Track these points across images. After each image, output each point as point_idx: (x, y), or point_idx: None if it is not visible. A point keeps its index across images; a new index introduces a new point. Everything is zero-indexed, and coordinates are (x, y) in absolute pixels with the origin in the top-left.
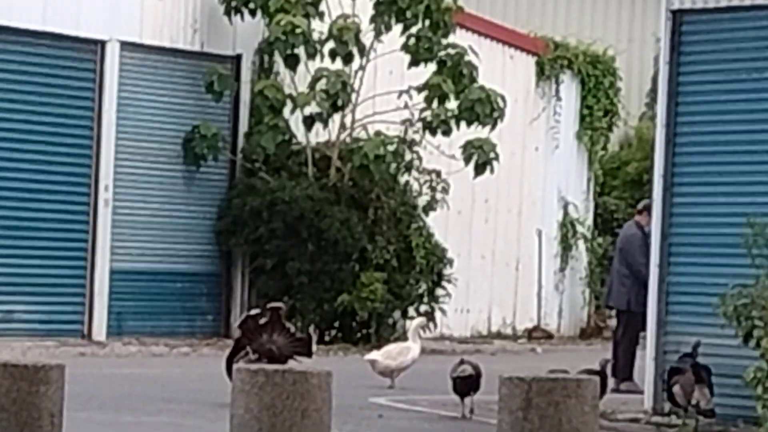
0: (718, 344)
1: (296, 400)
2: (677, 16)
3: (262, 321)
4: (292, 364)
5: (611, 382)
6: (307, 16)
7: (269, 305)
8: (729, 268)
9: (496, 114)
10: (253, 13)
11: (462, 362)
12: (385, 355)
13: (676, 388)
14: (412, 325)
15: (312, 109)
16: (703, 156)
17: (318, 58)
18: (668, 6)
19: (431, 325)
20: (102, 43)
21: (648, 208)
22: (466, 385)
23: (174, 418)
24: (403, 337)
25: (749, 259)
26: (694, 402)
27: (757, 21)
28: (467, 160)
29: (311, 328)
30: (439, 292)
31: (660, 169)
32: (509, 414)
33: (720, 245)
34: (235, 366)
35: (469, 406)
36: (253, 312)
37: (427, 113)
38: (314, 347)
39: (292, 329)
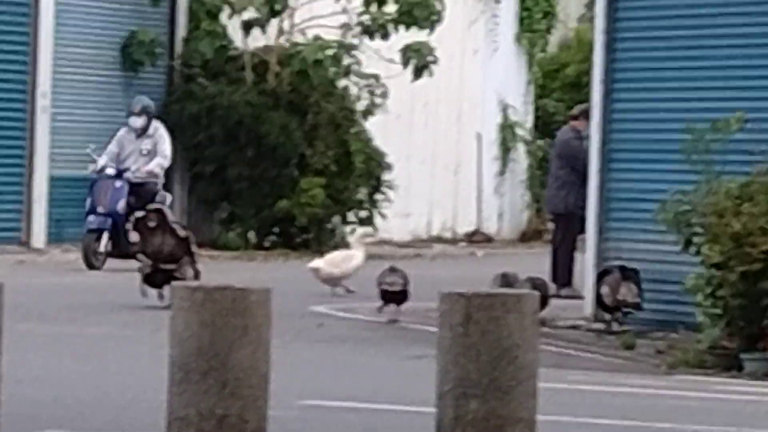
0: (659, 251)
1: (236, 318)
2: None
3: (152, 224)
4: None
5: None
6: None
7: (152, 207)
8: (669, 174)
9: (434, 17)
10: None
11: (392, 270)
12: (328, 262)
13: (603, 288)
14: (356, 234)
15: (250, 14)
16: (643, 61)
17: None
18: None
19: (371, 229)
20: None
21: (585, 113)
22: (394, 298)
23: (115, 329)
24: (344, 244)
25: (689, 165)
26: (621, 297)
27: None
28: (406, 64)
29: (251, 234)
30: (379, 197)
31: (599, 74)
32: (449, 329)
33: (660, 151)
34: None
35: (394, 316)
36: (140, 214)
37: (366, 17)
38: (194, 247)
39: (179, 230)
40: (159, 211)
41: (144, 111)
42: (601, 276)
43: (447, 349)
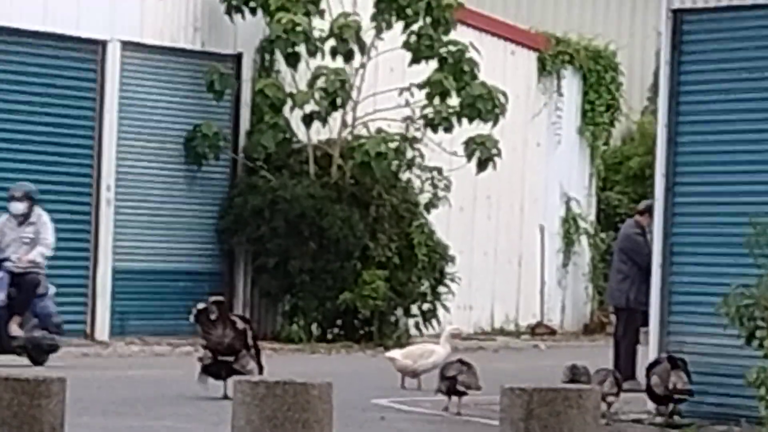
0: (721, 344)
1: (297, 412)
2: (678, 15)
3: (213, 316)
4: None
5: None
6: (307, 14)
7: (213, 299)
8: (732, 267)
9: (497, 110)
10: (253, 11)
11: (459, 362)
12: (405, 354)
13: (653, 379)
14: (445, 330)
15: (311, 107)
16: (705, 155)
17: (319, 56)
18: (669, 5)
19: (434, 322)
20: (103, 43)
21: (649, 209)
22: (461, 392)
23: (177, 423)
24: (406, 335)
25: (752, 259)
26: (671, 386)
27: (758, 20)
28: (469, 157)
29: (314, 326)
30: (442, 289)
31: (662, 168)
32: (511, 424)
33: (722, 245)
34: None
35: (456, 408)
36: (201, 306)
37: (429, 110)
38: (251, 340)
39: (237, 322)
40: (219, 303)
41: (26, 196)
42: (651, 367)
43: None
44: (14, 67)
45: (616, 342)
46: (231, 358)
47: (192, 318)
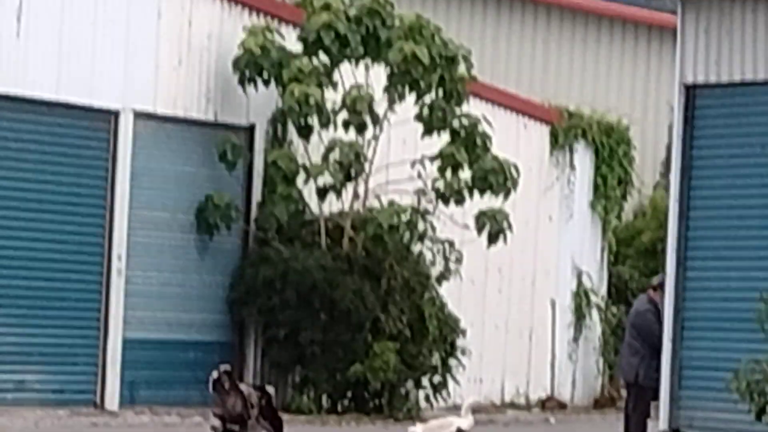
0: (732, 419)
1: None
2: (690, 91)
3: (226, 386)
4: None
5: None
6: (320, 86)
7: (222, 368)
8: (743, 343)
9: (509, 183)
10: (266, 83)
11: None
12: (426, 428)
13: None
14: (465, 402)
15: (325, 179)
16: (716, 230)
17: (331, 127)
18: (682, 80)
19: (445, 393)
20: (115, 113)
21: (662, 285)
22: None
23: None
24: (416, 408)
25: (763, 334)
26: None
27: None
28: (480, 230)
29: (324, 398)
30: (452, 362)
31: (673, 242)
32: None
33: (733, 320)
34: None
35: None
36: (215, 375)
37: (441, 183)
38: (254, 411)
39: (245, 390)
40: (228, 372)
41: None
42: None
43: None
44: (27, 136)
45: (626, 416)
46: (236, 427)
47: (210, 386)
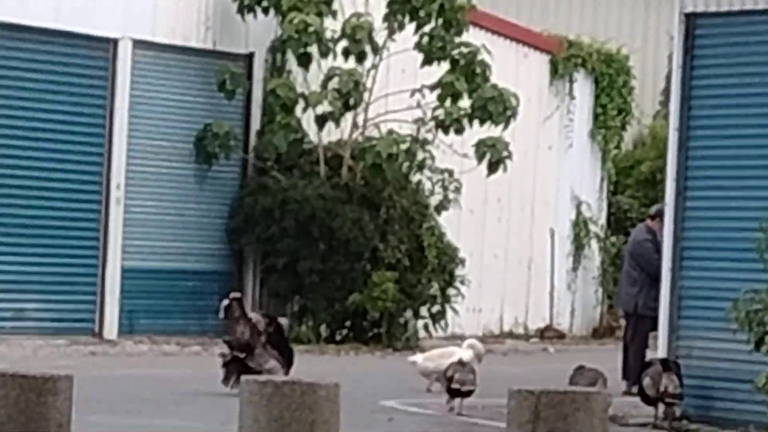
0: (730, 349)
1: (304, 412)
2: (690, 20)
3: (236, 314)
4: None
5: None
6: (320, 14)
7: (232, 295)
8: (742, 272)
9: (509, 112)
10: (266, 11)
11: (461, 365)
12: (426, 357)
13: (645, 381)
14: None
15: (324, 108)
16: (716, 160)
17: (331, 56)
18: (681, 9)
19: (444, 323)
20: (114, 42)
21: (660, 214)
22: (462, 395)
23: (184, 421)
24: (415, 337)
25: (762, 264)
26: (662, 389)
27: None
28: (480, 159)
29: (322, 327)
30: (451, 291)
31: (672, 172)
32: (518, 427)
33: (733, 249)
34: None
35: (458, 409)
36: (226, 303)
37: (440, 112)
38: (260, 339)
39: (253, 318)
40: (237, 299)
41: None
42: (643, 369)
43: None
44: (25, 65)
45: (625, 346)
46: (242, 355)
47: (222, 313)
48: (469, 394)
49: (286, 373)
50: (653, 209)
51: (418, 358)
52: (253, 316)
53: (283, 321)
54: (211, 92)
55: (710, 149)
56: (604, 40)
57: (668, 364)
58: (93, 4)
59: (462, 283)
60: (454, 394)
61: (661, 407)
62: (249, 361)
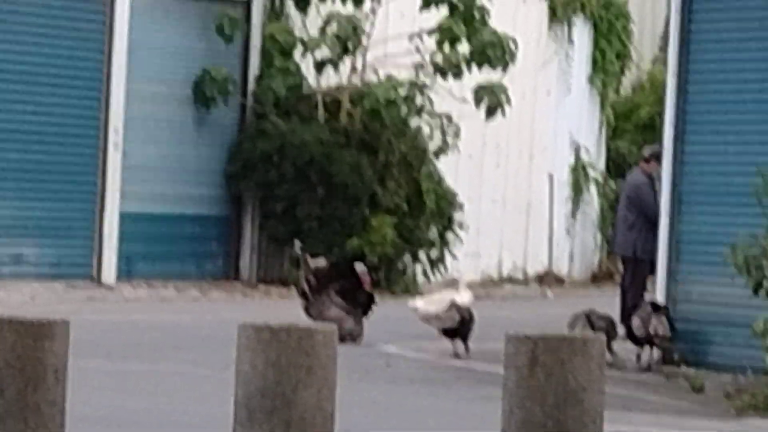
0: (728, 294)
1: (301, 357)
2: None
3: (305, 266)
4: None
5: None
6: None
7: (316, 265)
8: (740, 217)
9: (507, 57)
10: None
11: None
12: (426, 301)
13: (634, 321)
14: (460, 280)
15: (323, 52)
16: (714, 104)
17: (329, 0)
18: None
19: (441, 268)
20: None
21: (656, 156)
22: (453, 333)
23: (182, 367)
24: (413, 282)
25: (760, 209)
26: (652, 331)
27: None
28: (478, 104)
29: None
30: (450, 236)
31: (671, 117)
32: (515, 371)
33: (731, 194)
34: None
35: (456, 350)
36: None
37: (439, 56)
38: (330, 286)
39: (318, 266)
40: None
41: None
42: (633, 310)
43: (512, 392)
44: (23, 8)
45: (623, 291)
46: (304, 303)
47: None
48: (464, 331)
49: (359, 320)
50: (647, 151)
51: (418, 303)
52: (319, 263)
53: (359, 267)
54: (210, 37)
55: (709, 94)
56: None
57: (659, 307)
58: None
59: (460, 227)
60: (451, 335)
61: (647, 350)
62: (310, 309)
